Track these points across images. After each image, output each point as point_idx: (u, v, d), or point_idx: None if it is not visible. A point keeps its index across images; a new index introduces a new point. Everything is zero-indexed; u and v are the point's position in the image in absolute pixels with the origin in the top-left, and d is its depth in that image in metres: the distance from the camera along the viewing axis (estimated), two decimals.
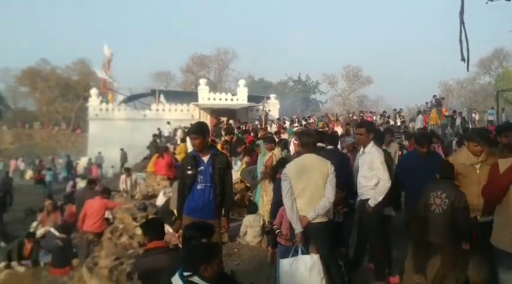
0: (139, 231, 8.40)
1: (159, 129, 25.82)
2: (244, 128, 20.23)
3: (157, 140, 22.20)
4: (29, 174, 28.65)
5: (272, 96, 36.56)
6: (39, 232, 11.54)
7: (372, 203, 4.97)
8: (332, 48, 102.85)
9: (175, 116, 31.71)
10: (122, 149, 27.66)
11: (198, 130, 5.00)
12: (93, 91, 33.93)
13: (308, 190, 4.50)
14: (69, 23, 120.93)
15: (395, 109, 26.34)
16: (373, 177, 4.99)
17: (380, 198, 4.93)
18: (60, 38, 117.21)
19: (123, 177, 15.12)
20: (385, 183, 4.93)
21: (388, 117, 24.01)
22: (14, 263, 9.99)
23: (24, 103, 79.05)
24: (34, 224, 12.87)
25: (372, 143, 5.15)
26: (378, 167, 4.94)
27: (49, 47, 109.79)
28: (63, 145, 53.04)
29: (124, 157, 27.37)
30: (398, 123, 22.03)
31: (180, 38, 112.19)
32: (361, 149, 5.27)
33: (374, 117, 25.16)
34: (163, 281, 3.34)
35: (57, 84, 65.55)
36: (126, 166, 17.55)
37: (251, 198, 9.34)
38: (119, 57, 41.39)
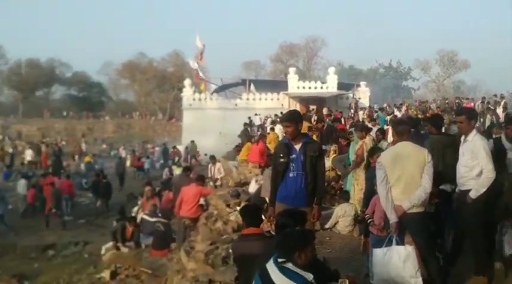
0: (232, 217, 8.68)
1: (249, 118, 26.24)
2: (334, 116, 20.01)
3: (248, 129, 22.59)
4: (129, 161, 30.39)
5: (362, 83, 35.69)
6: (138, 217, 12.27)
7: (473, 195, 4.63)
8: (425, 33, 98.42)
9: (265, 105, 32.01)
10: (192, 141, 28.76)
11: (290, 118, 5.02)
12: (187, 82, 35.17)
13: (403, 179, 4.38)
14: (163, 16, 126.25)
15: (495, 95, 24.62)
16: (475, 166, 4.64)
17: (483, 190, 4.62)
18: (156, 31, 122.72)
19: (210, 165, 15.78)
20: (489, 174, 4.56)
21: (488, 103, 22.48)
22: (119, 244, 10.73)
23: (124, 94, 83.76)
24: (135, 208, 13.70)
25: (474, 131, 4.84)
26: (482, 156, 4.59)
27: (146, 40, 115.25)
28: (159, 134, 55.53)
29: (194, 149, 28.46)
30: (500, 110, 20.49)
31: (269, 27, 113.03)
32: (463, 137, 4.99)
33: (472, 104, 23.70)
34: (257, 266, 3.42)
35: (153, 76, 68.58)
36: (212, 155, 18.23)
37: (342, 187, 9.27)
38: (210, 48, 42.41)
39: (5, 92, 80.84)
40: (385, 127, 12.29)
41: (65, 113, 70.75)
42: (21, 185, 18.94)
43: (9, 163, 28.98)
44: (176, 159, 29.36)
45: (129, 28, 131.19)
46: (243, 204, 8.86)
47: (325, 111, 22.33)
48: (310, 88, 32.44)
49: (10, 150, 33.08)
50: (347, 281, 3.80)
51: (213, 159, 16.15)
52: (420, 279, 4.19)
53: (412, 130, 6.13)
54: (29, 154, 28.75)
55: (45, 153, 29.18)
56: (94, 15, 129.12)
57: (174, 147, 31.49)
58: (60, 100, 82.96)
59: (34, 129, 59.92)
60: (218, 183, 14.60)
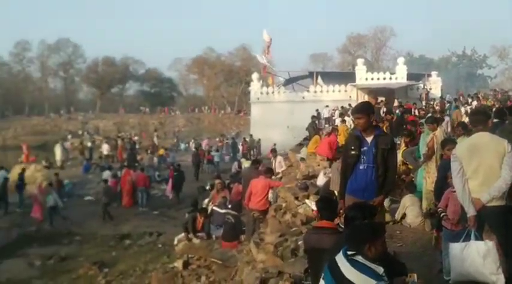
0: (301, 210, 8.70)
1: (317, 110, 26.08)
2: (406, 107, 19.45)
3: (316, 122, 22.45)
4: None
5: (433, 73, 34.36)
6: (209, 209, 12.58)
7: None
8: (501, 17, 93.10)
9: (333, 97, 31.68)
10: (250, 135, 29.33)
11: (362, 109, 4.94)
12: (255, 76, 35.46)
13: (481, 170, 4.18)
14: (231, 11, 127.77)
15: None
16: None
17: None
18: (223, 26, 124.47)
19: (271, 159, 15.82)
20: None
21: None
22: (190, 235, 11.07)
23: (193, 89, 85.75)
24: (206, 201, 14.05)
25: None
26: None
27: (214, 36, 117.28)
28: (228, 128, 56.36)
29: (252, 143, 28.91)
30: None
31: (336, 19, 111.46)
32: None
33: None
34: (326, 259, 3.43)
35: (222, 70, 69.64)
36: (273, 148, 18.25)
37: (413, 180, 9.03)
38: (277, 42, 42.54)
39: (84, 89, 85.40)
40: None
41: (141, 108, 73.49)
42: (106, 176, 20.01)
43: (88, 156, 30.59)
44: (251, 152, 29.90)
45: (198, 24, 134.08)
46: (311, 197, 8.87)
47: (396, 102, 21.78)
48: (378, 79, 31.73)
49: (89, 144, 34.84)
50: (415, 275, 3.72)
51: (274, 153, 16.21)
52: (502, 276, 3.98)
53: (496, 120, 5.86)
54: (105, 149, 30.19)
55: (120, 146, 30.53)
56: (164, 13, 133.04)
57: (245, 139, 31.95)
58: (133, 96, 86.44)
59: (110, 124, 62.79)
60: (279, 176, 14.54)
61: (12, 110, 74.30)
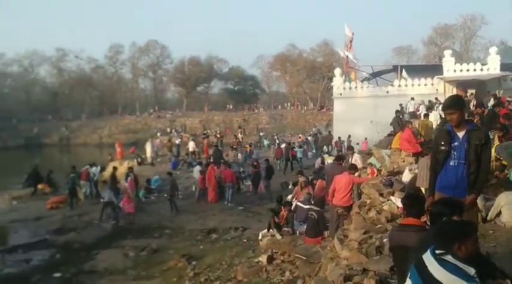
0: (386, 207, 8.51)
1: (401, 104, 25.30)
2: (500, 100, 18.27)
3: (400, 116, 21.76)
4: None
5: None
6: (293, 205, 12.64)
7: None
8: None
9: (418, 91, 30.52)
10: (329, 132, 28.14)
11: (454, 104, 4.72)
12: (337, 71, 35.05)
13: None
14: (312, 8, 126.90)
15: None
16: None
17: None
18: (305, 23, 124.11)
19: (348, 156, 15.52)
20: None
21: None
22: (274, 231, 11.20)
23: (276, 86, 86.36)
24: (289, 197, 14.14)
25: None
26: None
27: (296, 32, 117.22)
28: (311, 124, 56.19)
29: (316, 140, 28.06)
30: None
31: (420, 11, 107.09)
32: None
33: None
34: (412, 258, 3.34)
35: (304, 66, 69.54)
36: (350, 145, 17.85)
37: (507, 176, 8.51)
38: (359, 36, 41.74)
39: (171, 89, 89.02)
40: None
41: (228, 105, 75.26)
42: (196, 171, 20.75)
43: (176, 153, 31.81)
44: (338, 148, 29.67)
45: (280, 22, 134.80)
46: (397, 194, 8.64)
47: (488, 95, 20.51)
48: (468, 71, 30.03)
49: (177, 142, 36.17)
50: (509, 282, 3.51)
51: (350, 150, 15.93)
52: None
53: None
54: (191, 146, 31.23)
55: (206, 143, 31.44)
56: (246, 12, 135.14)
57: (330, 133, 31.81)
58: (218, 94, 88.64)
59: (196, 122, 64.86)
60: (357, 174, 14.17)
61: (107, 110, 79.14)
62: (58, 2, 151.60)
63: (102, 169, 23.27)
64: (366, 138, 28.16)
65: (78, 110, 77.90)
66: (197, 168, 20.97)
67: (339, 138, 30.73)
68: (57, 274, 12.32)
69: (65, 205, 19.63)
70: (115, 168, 21.51)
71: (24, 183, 24.12)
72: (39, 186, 22.92)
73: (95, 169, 21.70)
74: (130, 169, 21.64)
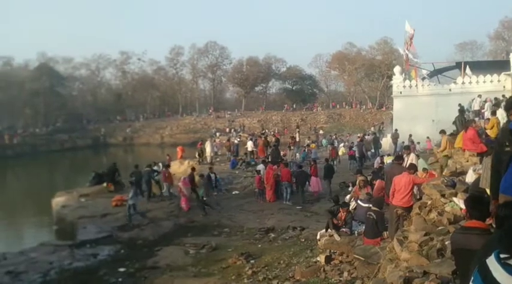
0: (448, 208, 8.28)
1: (460, 104, 24.42)
2: None
3: (464, 115, 20.99)
4: (341, 150, 31.04)
5: None
6: (352, 204, 12.52)
7: None
8: None
9: (484, 88, 29.25)
10: (395, 130, 28.15)
11: None
12: (396, 69, 34.31)
13: None
14: (370, 5, 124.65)
15: None
16: None
17: None
18: (363, 20, 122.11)
19: (404, 155, 15.10)
20: None
21: None
22: (332, 231, 11.14)
23: (334, 85, 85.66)
24: (347, 197, 14.02)
25: None
26: None
27: (354, 30, 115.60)
28: (369, 123, 55.31)
29: (397, 137, 27.61)
30: None
31: (486, 2, 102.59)
32: None
33: None
34: (474, 261, 3.26)
35: (362, 65, 68.56)
36: (406, 145, 17.35)
37: None
38: (420, 33, 40.54)
39: (230, 89, 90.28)
40: None
41: (286, 105, 75.58)
42: (260, 168, 20.97)
43: (235, 153, 32.23)
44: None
45: (338, 20, 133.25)
46: (460, 195, 8.39)
47: None
48: None
49: (236, 141, 36.63)
50: None
51: (407, 149, 15.54)
52: None
53: None
54: (249, 145, 31.52)
55: (261, 143, 31.71)
56: (302, 11, 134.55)
57: (396, 131, 31.27)
58: (276, 94, 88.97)
59: (255, 122, 65.38)
60: (444, 171, 13.78)
61: (168, 110, 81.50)
62: (121, 7, 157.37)
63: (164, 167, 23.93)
64: (428, 137, 27.39)
65: (140, 111, 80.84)
66: (261, 166, 21.20)
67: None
68: (122, 269, 12.85)
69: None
70: (193, 169, 21.83)
71: (91, 181, 25.23)
72: (104, 185, 23.93)
73: (156, 169, 22.49)
74: (193, 169, 22.19)
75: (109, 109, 79.32)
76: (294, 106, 75.63)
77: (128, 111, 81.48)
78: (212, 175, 21.40)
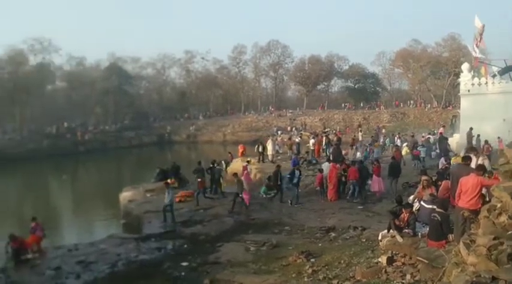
0: None
1: None
2: None
3: None
4: (405, 149, 30.27)
5: None
6: (415, 205, 12.21)
7: None
8: None
9: None
10: (470, 128, 27.07)
11: None
12: (465, 66, 33.00)
13: None
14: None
15: None
16: None
17: None
18: (429, 16, 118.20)
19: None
20: None
21: None
22: (394, 232, 10.92)
23: (398, 83, 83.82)
24: (411, 197, 13.68)
25: None
26: None
27: (419, 26, 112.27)
28: (435, 123, 53.61)
29: (471, 136, 26.81)
30: None
31: None
32: None
33: None
34: None
35: (428, 62, 66.63)
36: (471, 146, 16.61)
37: None
38: (491, 28, 38.75)
39: (292, 88, 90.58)
40: None
41: (348, 104, 74.88)
42: (326, 167, 20.95)
43: (296, 151, 32.21)
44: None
45: (402, 16, 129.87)
46: None
47: None
48: None
49: (297, 140, 36.59)
50: None
51: (473, 151, 14.81)
52: None
53: None
54: (312, 143, 31.37)
55: (317, 142, 31.55)
56: (365, 8, 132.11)
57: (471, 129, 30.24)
58: (338, 92, 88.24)
59: (316, 120, 65.16)
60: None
61: (231, 108, 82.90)
62: (186, 7, 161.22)
63: (226, 165, 24.46)
64: (499, 137, 26.19)
65: (204, 109, 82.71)
66: (326, 165, 21.13)
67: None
68: (185, 263, 13.24)
69: (191, 198, 20.91)
70: (278, 166, 21.87)
71: (156, 177, 26.07)
72: (169, 181, 24.69)
73: (219, 167, 22.98)
74: (248, 162, 22.52)
75: (174, 107, 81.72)
76: (361, 104, 74.55)
77: (191, 109, 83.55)
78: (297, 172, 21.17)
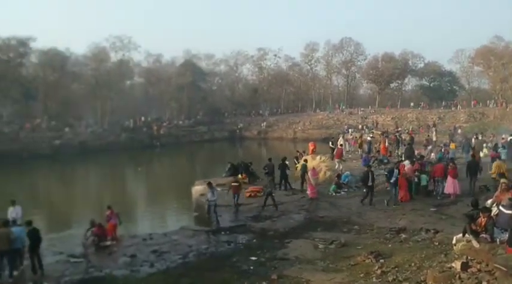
0: None
1: None
2: None
3: None
4: (484, 152, 28.92)
5: None
6: (494, 210, 11.70)
7: None
8: None
9: None
10: None
11: None
12: None
13: None
14: None
15: None
16: None
17: None
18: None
19: None
20: None
21: None
22: (469, 237, 10.53)
23: (477, 82, 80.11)
24: (489, 201, 13.12)
25: None
26: None
27: (503, 21, 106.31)
28: None
29: None
30: None
31: None
32: None
33: None
34: None
35: (511, 60, 63.11)
36: None
37: None
38: None
39: (364, 85, 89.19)
40: None
41: (422, 102, 72.74)
42: (407, 165, 20.67)
43: (367, 150, 31.72)
44: None
45: (483, 11, 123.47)
46: None
47: None
48: None
49: (368, 138, 36.02)
50: None
51: None
52: None
53: None
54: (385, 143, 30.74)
55: (383, 141, 30.83)
56: (441, 5, 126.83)
57: None
58: (412, 91, 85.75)
59: (388, 119, 63.66)
60: None
61: (302, 106, 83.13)
62: (258, 5, 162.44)
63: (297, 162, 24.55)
64: None
65: (275, 106, 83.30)
66: (407, 163, 20.77)
67: None
68: (253, 258, 13.48)
69: (261, 194, 21.18)
70: (369, 167, 21.88)
71: (227, 172, 26.62)
72: (239, 176, 25.13)
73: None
74: (305, 160, 23.11)
75: (245, 103, 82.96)
76: (424, 103, 71.96)
77: (262, 106, 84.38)
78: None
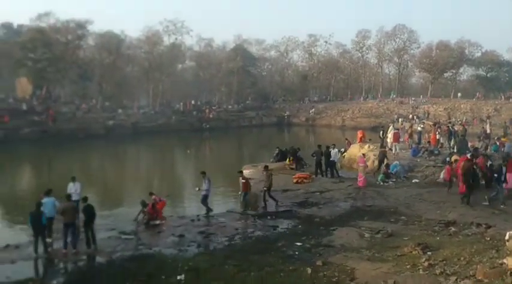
0: None
1: None
2: None
3: None
4: None
5: None
6: None
7: None
8: None
9: None
10: None
11: None
12: None
13: None
14: None
15: None
16: None
17: None
18: None
19: None
20: None
21: None
22: None
23: None
24: None
25: None
26: None
27: None
28: None
29: None
30: None
31: None
32: None
33: None
34: None
35: None
36: None
37: None
38: None
39: (416, 74, 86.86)
40: None
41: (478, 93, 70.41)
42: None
43: (417, 140, 31.05)
44: None
45: None
46: None
47: None
48: None
49: (419, 129, 35.20)
50: None
51: None
52: None
53: None
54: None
55: (434, 132, 30.06)
56: None
57: None
58: (467, 81, 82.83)
59: (441, 109, 61.90)
60: None
61: (351, 93, 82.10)
62: None
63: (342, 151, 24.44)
64: None
65: (324, 93, 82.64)
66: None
67: None
68: (299, 243, 13.55)
69: (309, 180, 21.24)
70: (471, 161, 21.30)
71: (275, 157, 26.78)
72: (287, 162, 25.21)
73: (334, 152, 23.10)
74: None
75: (294, 90, 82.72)
76: (479, 94, 69.28)
77: (312, 92, 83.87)
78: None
